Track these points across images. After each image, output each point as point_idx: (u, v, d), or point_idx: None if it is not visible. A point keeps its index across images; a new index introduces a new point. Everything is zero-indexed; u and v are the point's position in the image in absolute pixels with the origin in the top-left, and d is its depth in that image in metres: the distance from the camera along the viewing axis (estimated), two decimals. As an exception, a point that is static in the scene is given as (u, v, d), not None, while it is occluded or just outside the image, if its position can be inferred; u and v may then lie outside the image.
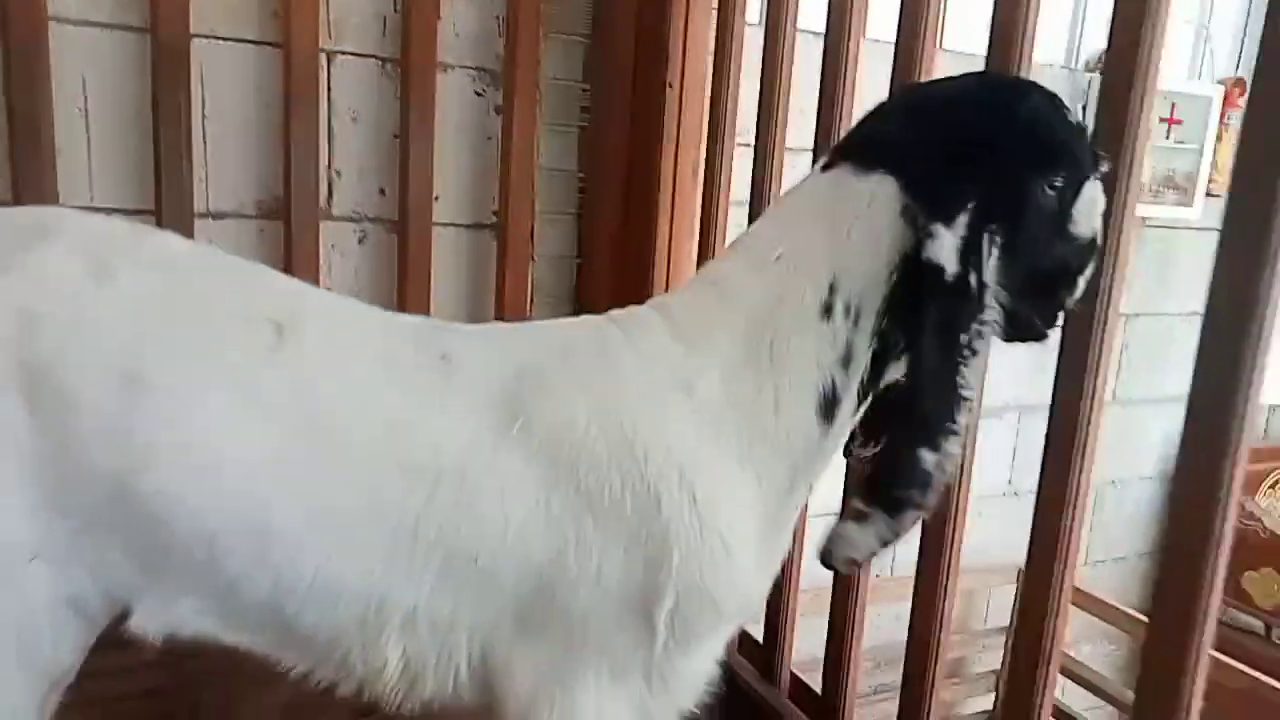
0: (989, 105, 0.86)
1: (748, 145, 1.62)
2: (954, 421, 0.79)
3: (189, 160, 1.57)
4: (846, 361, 0.85)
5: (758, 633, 1.64)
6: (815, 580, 1.55)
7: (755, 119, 1.59)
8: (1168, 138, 2.72)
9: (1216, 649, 2.45)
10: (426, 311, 1.78)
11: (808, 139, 1.47)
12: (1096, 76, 2.48)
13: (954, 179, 0.81)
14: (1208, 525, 0.93)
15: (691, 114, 1.84)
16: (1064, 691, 2.71)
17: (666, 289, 1.89)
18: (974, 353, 0.81)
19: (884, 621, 2.28)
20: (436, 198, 1.79)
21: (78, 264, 0.82)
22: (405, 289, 1.78)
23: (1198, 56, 2.82)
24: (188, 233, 1.58)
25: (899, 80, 1.28)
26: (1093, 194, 0.88)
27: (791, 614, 1.58)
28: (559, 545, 0.83)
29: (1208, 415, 0.92)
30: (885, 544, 0.83)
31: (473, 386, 0.87)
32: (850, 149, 0.87)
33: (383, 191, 1.79)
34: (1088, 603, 2.62)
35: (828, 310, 0.84)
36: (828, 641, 1.48)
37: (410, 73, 1.70)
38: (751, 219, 1.59)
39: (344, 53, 1.72)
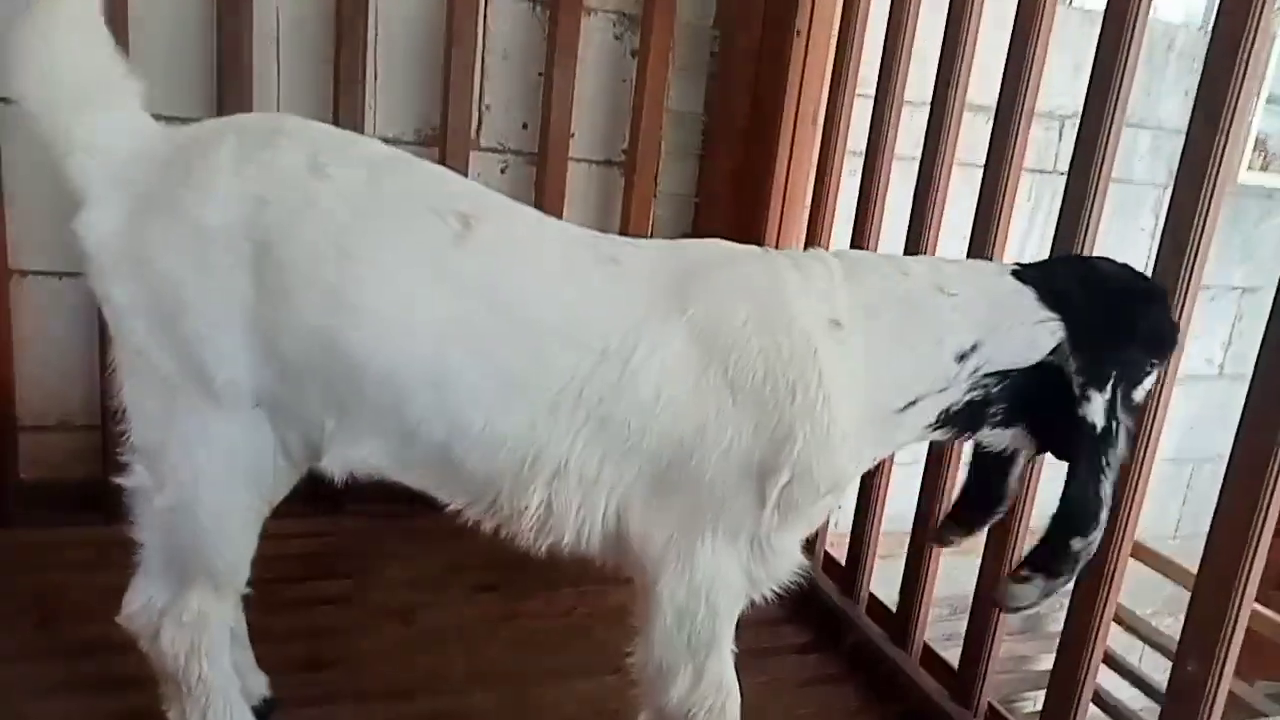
0: (1137, 300, 1.08)
1: (868, 96, 1.73)
2: (1099, 519, 1.02)
3: (363, 86, 1.79)
4: (942, 391, 1.06)
5: (842, 557, 1.80)
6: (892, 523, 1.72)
7: (877, 70, 1.69)
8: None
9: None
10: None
11: (926, 93, 1.57)
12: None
13: (1108, 358, 1.03)
14: (1251, 511, 1.07)
15: (816, 61, 1.95)
16: (1142, 659, 2.80)
17: (780, 231, 2.03)
18: (1115, 471, 1.02)
19: (959, 574, 2.40)
20: (573, 134, 1.96)
21: (301, 161, 1.00)
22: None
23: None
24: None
25: (1018, 39, 1.38)
26: (1156, 377, 1.13)
27: (873, 539, 1.73)
28: (702, 419, 1.00)
29: (1267, 391, 1.05)
30: (1045, 596, 1.07)
31: (643, 280, 1.04)
32: (1037, 281, 1.07)
33: (525, 126, 1.98)
34: (1171, 570, 2.68)
35: (961, 358, 1.05)
36: (906, 561, 1.63)
37: (558, 15, 1.87)
38: (866, 170, 1.71)
39: (498, -6, 1.89)
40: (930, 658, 1.60)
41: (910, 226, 1.62)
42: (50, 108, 0.99)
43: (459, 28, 1.80)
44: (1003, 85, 1.43)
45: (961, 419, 1.08)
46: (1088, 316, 1.05)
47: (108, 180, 1.00)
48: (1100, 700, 2.67)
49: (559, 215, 1.96)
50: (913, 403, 1.06)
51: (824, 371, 1.00)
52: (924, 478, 1.60)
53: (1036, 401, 1.06)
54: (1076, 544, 1.02)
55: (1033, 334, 1.04)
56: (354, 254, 0.98)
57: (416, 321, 0.99)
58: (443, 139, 1.86)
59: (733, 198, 2.08)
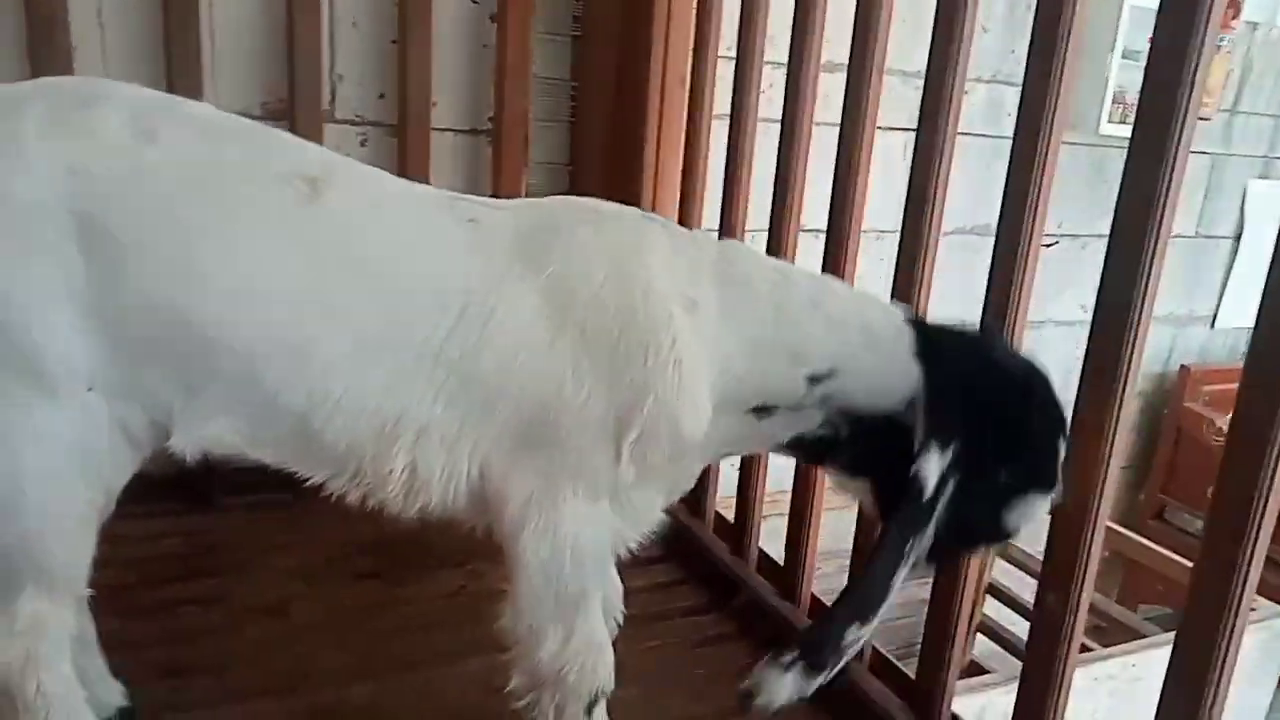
0: (1014, 390, 1.04)
1: (730, 58, 1.73)
2: (878, 609, 0.97)
3: (198, 60, 1.70)
4: (795, 409, 1.07)
5: (732, 517, 1.83)
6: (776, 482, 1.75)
7: (738, 31, 1.70)
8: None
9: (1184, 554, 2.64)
10: (424, 213, 1.93)
11: (785, 54, 1.58)
12: None
13: (958, 420, 0.99)
14: (1099, 448, 1.09)
15: (679, 26, 1.95)
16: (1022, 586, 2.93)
17: (654, 198, 2.03)
18: (911, 560, 0.97)
19: (842, 527, 2.46)
20: (434, 103, 1.92)
21: (126, 124, 0.94)
22: (404, 191, 1.92)
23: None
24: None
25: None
26: (1036, 509, 1.05)
27: (758, 498, 1.76)
28: (560, 377, 1.00)
29: (1109, 328, 1.08)
30: (796, 698, 0.97)
31: (502, 240, 1.04)
32: (923, 328, 1.07)
33: (382, 96, 1.92)
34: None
35: (814, 381, 1.05)
36: (790, 516, 1.66)
37: (408, -21, 1.82)
38: (732, 135, 1.71)
39: (343, -40, 1.83)
40: (819, 609, 1.63)
41: (775, 188, 1.63)
42: None
43: (300, -4, 1.74)
44: (853, 43, 1.44)
45: (813, 449, 1.09)
46: (955, 380, 1.01)
47: None
48: (987, 629, 2.80)
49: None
50: (765, 409, 1.07)
51: (677, 339, 1.00)
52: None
53: (884, 460, 1.03)
54: (850, 634, 0.96)
55: (891, 375, 1.03)
56: (194, 223, 0.95)
57: (268, 290, 0.97)
58: (292, 111, 1.79)
59: (606, 164, 2.07)
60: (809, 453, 1.13)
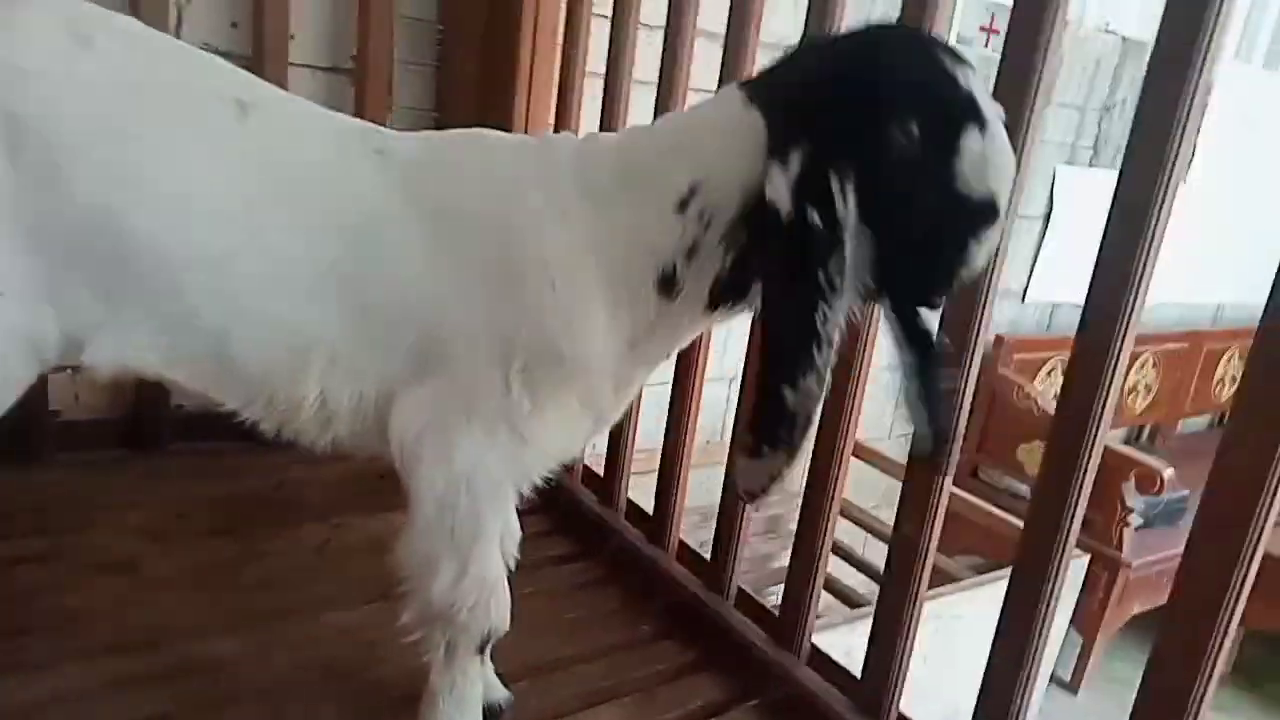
0: (852, 50, 0.92)
1: (605, 16, 1.76)
2: (811, 359, 0.85)
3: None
4: (690, 253, 0.97)
5: (601, 470, 1.88)
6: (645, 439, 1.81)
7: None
8: (986, 46, 3.06)
9: (1000, 509, 2.93)
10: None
11: (662, 16, 1.62)
12: None
13: (791, 119, 0.88)
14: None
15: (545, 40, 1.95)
16: (865, 546, 3.17)
17: (523, 147, 2.02)
18: (832, 292, 0.84)
19: (710, 483, 2.58)
20: (292, 37, 1.83)
21: (60, 28, 0.93)
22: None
23: None
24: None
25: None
26: (981, 149, 0.86)
27: (629, 447, 1.82)
28: (444, 299, 1.01)
29: (960, 303, 1.17)
30: (774, 477, 0.92)
31: (402, 169, 1.05)
32: (749, 82, 0.98)
33: (234, 25, 1.82)
34: (886, 465, 3.05)
35: (682, 206, 0.97)
36: (660, 469, 1.73)
37: (268, -99, 1.73)
38: (608, 90, 1.74)
39: (196, -128, 1.71)
40: (685, 553, 1.71)
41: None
42: None
43: (150, -95, 1.62)
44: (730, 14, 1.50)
45: (734, 289, 1.00)
46: (783, 91, 0.91)
47: None
48: (830, 587, 3.01)
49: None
50: (668, 280, 1.00)
51: (552, 259, 1.02)
52: (672, 393, 1.70)
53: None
54: (789, 397, 0.87)
55: (738, 146, 0.92)
56: (130, 131, 0.95)
57: (196, 201, 0.98)
58: (137, 34, 1.67)
59: (473, 111, 2.05)
60: (736, 295, 1.00)
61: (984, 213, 0.88)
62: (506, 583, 1.16)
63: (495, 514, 1.09)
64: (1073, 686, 3.30)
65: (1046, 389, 3.69)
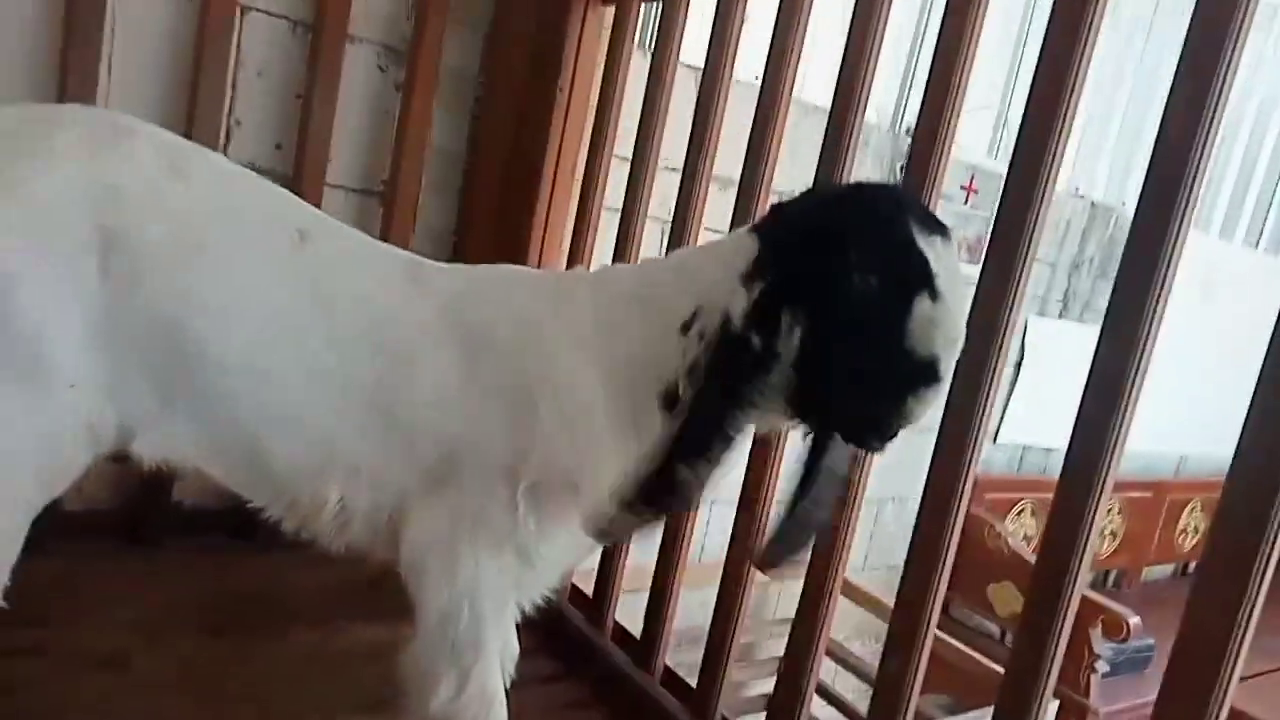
0: (836, 202, 1.04)
1: (625, 159, 1.89)
2: (710, 451, 0.95)
3: (93, 94, 1.67)
4: (691, 370, 1.03)
5: (589, 590, 1.91)
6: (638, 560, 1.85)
7: (635, 136, 1.87)
8: (966, 204, 3.28)
9: (964, 645, 2.97)
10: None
11: (679, 159, 1.76)
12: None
13: (765, 254, 0.99)
14: (938, 543, 1.30)
15: (576, 119, 2.10)
16: (835, 677, 3.17)
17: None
18: (749, 405, 0.95)
19: (690, 608, 2.61)
20: (330, 160, 1.96)
21: (159, 159, 1.06)
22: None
23: (996, 138, 3.42)
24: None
25: (760, 122, 1.60)
26: (930, 314, 0.92)
27: (620, 568, 1.86)
28: (468, 420, 1.10)
29: (950, 447, 1.30)
30: (633, 532, 1.07)
31: (438, 297, 1.16)
32: (756, 224, 1.08)
33: (279, 147, 1.94)
34: (862, 599, 3.09)
35: (685, 328, 1.04)
36: (650, 592, 1.77)
37: (322, 37, 1.87)
38: (623, 225, 1.87)
39: (257, 9, 1.86)
40: (672, 679, 1.74)
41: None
42: None
43: (210, 41, 1.75)
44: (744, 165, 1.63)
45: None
46: (771, 231, 1.01)
47: None
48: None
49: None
50: (671, 395, 1.04)
51: (560, 384, 1.11)
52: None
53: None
54: (682, 474, 0.95)
55: (736, 270, 1.00)
56: (203, 251, 1.06)
57: (254, 315, 1.09)
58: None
59: (492, 235, 2.17)
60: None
61: (926, 373, 0.94)
62: (504, 699, 1.19)
63: (497, 630, 1.14)
64: (1041, 838, 3.25)
65: (1017, 529, 3.77)
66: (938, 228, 0.97)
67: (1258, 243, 4.51)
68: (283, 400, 1.09)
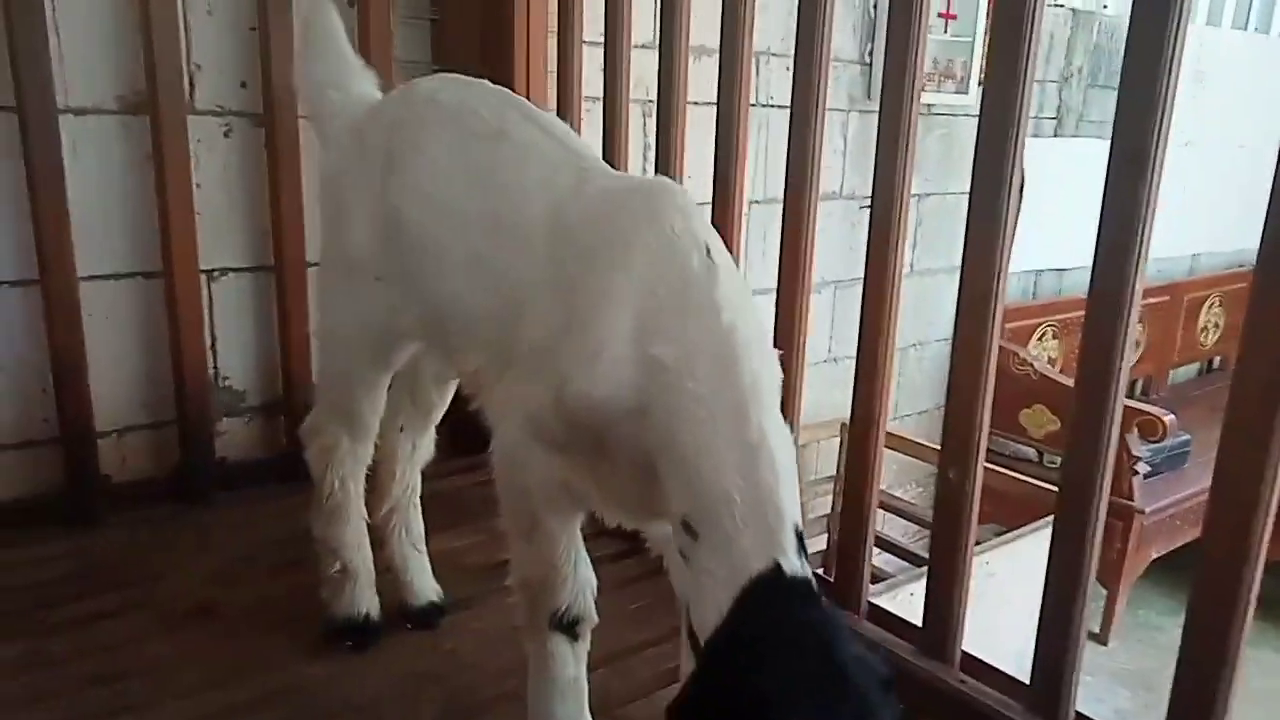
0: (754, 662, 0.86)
1: (597, 43, 1.84)
2: None
3: (45, 52, 1.64)
4: None
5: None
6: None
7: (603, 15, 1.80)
8: (945, 31, 3.19)
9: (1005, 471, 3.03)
10: (299, 206, 1.94)
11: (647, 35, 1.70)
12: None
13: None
14: (979, 357, 1.29)
15: (539, 13, 2.04)
16: (884, 523, 3.26)
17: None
18: None
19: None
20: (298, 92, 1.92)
21: (432, 96, 1.33)
22: (278, 181, 1.92)
23: (968, -41, 3.30)
24: (52, 129, 1.66)
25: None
26: None
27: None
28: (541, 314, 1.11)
29: (976, 280, 1.28)
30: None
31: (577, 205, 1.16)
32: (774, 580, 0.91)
33: (244, 85, 1.90)
34: (900, 444, 3.14)
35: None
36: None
37: (266, -35, 1.81)
38: (606, 113, 1.82)
39: (192, -55, 1.80)
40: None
41: (657, 165, 1.77)
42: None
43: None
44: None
45: None
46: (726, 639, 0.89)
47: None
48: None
49: (298, 179, 1.93)
50: None
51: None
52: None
53: None
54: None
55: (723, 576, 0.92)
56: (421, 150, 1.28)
57: (441, 201, 1.24)
58: (154, 105, 1.75)
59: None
60: None
61: None
62: (578, 570, 1.19)
63: (549, 512, 1.14)
64: (1102, 638, 3.39)
65: (1040, 353, 3.81)
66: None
67: (1245, 24, 4.40)
68: (452, 274, 1.22)
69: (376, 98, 1.46)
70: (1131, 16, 1.10)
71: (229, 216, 1.96)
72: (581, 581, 1.21)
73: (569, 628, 1.21)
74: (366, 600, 1.51)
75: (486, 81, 1.35)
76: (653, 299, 1.01)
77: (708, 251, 1.02)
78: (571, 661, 1.22)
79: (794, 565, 0.90)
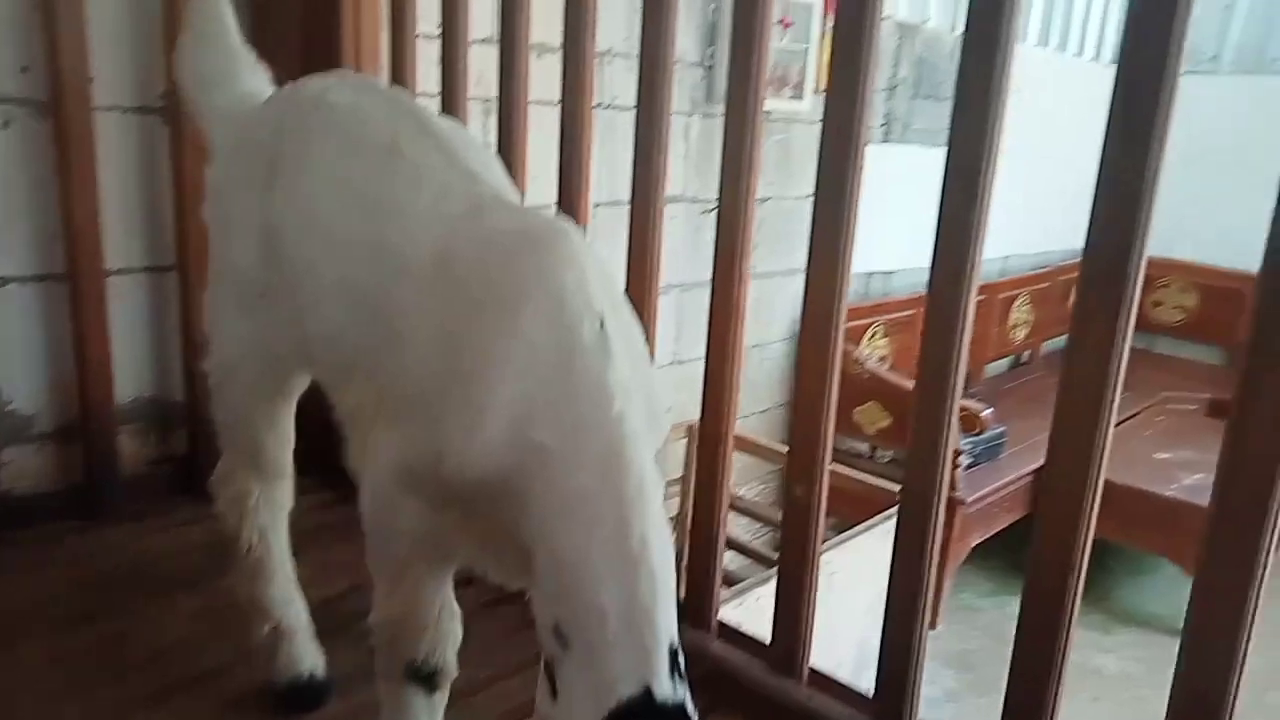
0: None
1: (431, 36, 1.74)
2: None
3: None
4: None
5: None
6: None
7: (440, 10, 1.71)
8: (782, 39, 3.26)
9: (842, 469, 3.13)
10: (95, 208, 1.74)
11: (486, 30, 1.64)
12: (724, -19, 2.89)
13: None
14: (824, 371, 1.33)
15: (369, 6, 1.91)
16: (730, 522, 3.31)
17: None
18: None
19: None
20: (92, 78, 1.72)
21: (321, 98, 1.19)
22: (68, 181, 1.70)
23: (802, -31, 3.39)
24: None
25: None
26: None
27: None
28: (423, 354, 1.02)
29: (819, 296, 1.31)
30: None
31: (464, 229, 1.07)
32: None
33: (26, 69, 1.68)
34: (746, 446, 3.19)
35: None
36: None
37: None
38: (444, 111, 1.73)
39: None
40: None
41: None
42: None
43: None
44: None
45: None
46: None
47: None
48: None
49: (92, 179, 1.72)
50: None
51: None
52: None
53: None
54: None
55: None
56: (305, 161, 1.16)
57: (321, 219, 1.13)
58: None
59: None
60: None
61: None
62: (441, 621, 1.12)
63: (417, 556, 1.07)
64: (931, 623, 3.58)
65: (871, 351, 3.97)
66: None
67: (1046, 42, 4.76)
68: (326, 298, 1.13)
69: (266, 95, 1.33)
70: (965, 38, 1.14)
71: (7, 219, 1.73)
72: (444, 633, 1.13)
73: (426, 679, 1.13)
74: (309, 657, 1.39)
75: (381, 82, 1.26)
76: (540, 370, 0.92)
77: (601, 323, 0.93)
78: (425, 713, 1.15)
79: (666, 690, 0.84)
